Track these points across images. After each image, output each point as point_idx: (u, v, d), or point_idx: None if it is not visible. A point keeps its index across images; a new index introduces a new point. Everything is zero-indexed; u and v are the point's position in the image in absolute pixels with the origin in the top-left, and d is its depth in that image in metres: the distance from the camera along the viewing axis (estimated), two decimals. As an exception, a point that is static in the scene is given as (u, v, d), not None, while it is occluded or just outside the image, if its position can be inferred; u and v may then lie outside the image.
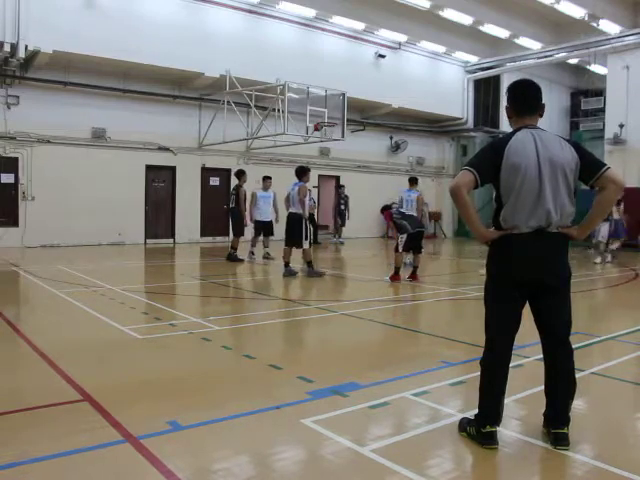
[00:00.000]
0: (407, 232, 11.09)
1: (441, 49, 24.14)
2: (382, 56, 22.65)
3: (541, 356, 3.77)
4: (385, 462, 3.35)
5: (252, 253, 14.27)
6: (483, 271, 3.75)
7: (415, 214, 11.27)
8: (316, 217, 20.79)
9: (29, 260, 14.28)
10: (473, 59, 25.37)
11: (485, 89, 26.53)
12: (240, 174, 14.55)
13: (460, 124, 26.38)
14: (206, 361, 5.67)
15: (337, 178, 23.43)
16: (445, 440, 3.71)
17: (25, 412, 4.10)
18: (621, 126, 21.61)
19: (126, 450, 3.46)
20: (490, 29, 22.29)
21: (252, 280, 12.17)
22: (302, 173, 11.80)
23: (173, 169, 19.67)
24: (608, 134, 22.19)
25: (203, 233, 20.34)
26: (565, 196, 3.50)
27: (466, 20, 21.24)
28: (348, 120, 18.49)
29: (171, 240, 19.71)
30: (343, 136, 17.64)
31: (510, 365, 3.67)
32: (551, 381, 3.67)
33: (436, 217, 26.54)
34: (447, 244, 23.99)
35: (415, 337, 7.07)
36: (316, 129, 16.50)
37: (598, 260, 15.54)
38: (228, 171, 20.17)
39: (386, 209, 23.03)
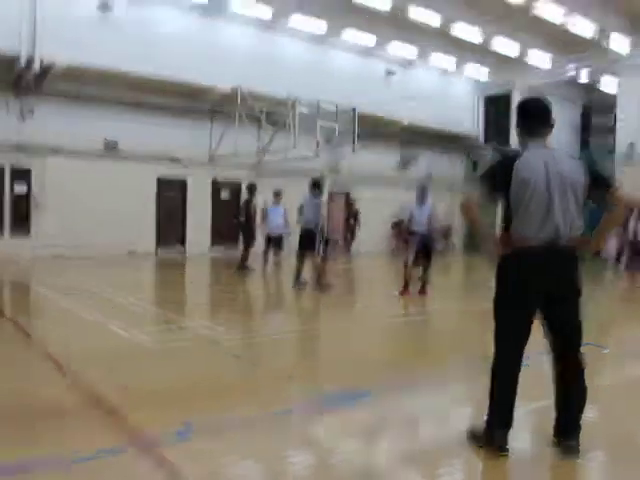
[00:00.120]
0: (415, 247, 11.09)
1: (452, 66, 24.28)
2: (392, 73, 22.81)
3: (552, 365, 3.75)
4: (395, 470, 3.36)
5: (266, 261, 14.25)
6: (492, 283, 3.78)
7: (427, 229, 11.16)
8: (326, 231, 20.80)
9: (40, 269, 14.38)
10: (484, 76, 25.47)
11: (496, 105, 26.59)
12: (252, 189, 14.65)
13: (471, 140, 26.43)
14: (217, 368, 5.70)
15: (347, 193, 23.48)
16: (456, 449, 3.71)
17: (37, 417, 4.14)
18: (632, 144, 21.58)
19: (137, 455, 3.48)
20: (500, 47, 22.39)
21: (261, 291, 12.21)
22: (318, 186, 11.89)
23: (184, 181, 19.79)
24: (619, 151, 22.17)
25: (213, 244, 20.41)
26: (574, 211, 3.53)
27: (476, 37, 21.35)
28: (358, 135, 18.58)
29: (182, 251, 19.78)
30: (353, 150, 17.72)
31: (520, 373, 3.67)
32: (561, 391, 3.67)
33: (447, 232, 26.51)
34: (457, 258, 23.95)
35: (424, 347, 7.09)
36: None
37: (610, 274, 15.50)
38: (239, 184, 20.26)
39: (397, 225, 23.02)
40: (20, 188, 17.01)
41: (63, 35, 15.81)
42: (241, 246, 15.05)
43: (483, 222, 3.66)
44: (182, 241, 19.95)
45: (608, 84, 25.04)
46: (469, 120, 26.09)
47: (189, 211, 19.94)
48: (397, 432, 4.04)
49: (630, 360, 6.54)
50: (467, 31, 20.87)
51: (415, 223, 11.15)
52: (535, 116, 3.72)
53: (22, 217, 17.00)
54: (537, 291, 3.57)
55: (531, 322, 3.64)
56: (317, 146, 16.78)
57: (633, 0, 19.47)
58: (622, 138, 22.19)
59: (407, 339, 7.62)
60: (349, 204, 22.11)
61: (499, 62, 24.31)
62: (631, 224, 15.49)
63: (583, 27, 20.39)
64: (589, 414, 3.81)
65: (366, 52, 22.40)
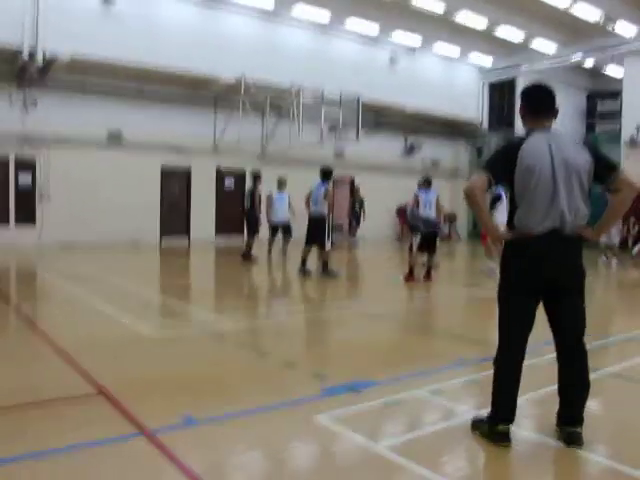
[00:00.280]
0: (420, 232, 11.08)
1: (456, 53, 24.16)
2: (396, 61, 22.72)
3: (555, 355, 3.75)
4: (399, 459, 3.37)
5: (271, 250, 14.30)
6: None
7: (434, 215, 11.12)
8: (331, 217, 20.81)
9: (46, 258, 14.44)
10: (488, 62, 25.33)
11: (500, 91, 26.45)
12: (256, 177, 14.65)
13: (475, 126, 26.33)
14: (221, 357, 5.72)
15: (352, 180, 23.44)
16: (459, 438, 3.72)
17: (41, 405, 4.17)
18: (638, 128, 21.46)
19: (141, 443, 3.50)
20: (505, 33, 22.21)
21: (266, 278, 12.23)
22: (328, 174, 11.91)
23: (188, 171, 19.80)
24: (625, 136, 22.04)
25: (218, 233, 20.44)
26: (579, 198, 3.51)
27: (481, 24, 21.18)
28: (362, 122, 18.53)
29: (186, 240, 19.82)
30: (357, 138, 17.67)
31: (524, 364, 3.67)
32: (565, 382, 3.66)
33: (451, 218, 26.50)
34: (461, 245, 23.95)
35: (429, 335, 7.09)
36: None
37: (610, 262, 15.41)
38: (243, 173, 20.25)
39: (402, 211, 23.02)
40: (25, 179, 17.11)
41: (66, 27, 15.82)
42: (246, 234, 15.08)
43: (487, 209, 3.65)
44: (186, 230, 19.98)
45: (614, 69, 24.86)
46: (473, 107, 25.98)
47: (193, 200, 19.96)
48: (402, 420, 4.06)
49: (634, 350, 6.53)
50: (471, 18, 20.68)
51: (422, 208, 11.12)
52: (539, 102, 3.69)
53: (27, 207, 17.09)
54: (541, 279, 3.56)
55: (534, 310, 3.63)
56: (321, 134, 16.75)
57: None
58: (628, 123, 22.05)
59: (412, 325, 7.63)
60: (354, 191, 22.09)
61: (503, 48, 24.14)
62: None
63: (588, 12, 20.20)
64: (592, 404, 3.81)
65: (370, 40, 22.28)
